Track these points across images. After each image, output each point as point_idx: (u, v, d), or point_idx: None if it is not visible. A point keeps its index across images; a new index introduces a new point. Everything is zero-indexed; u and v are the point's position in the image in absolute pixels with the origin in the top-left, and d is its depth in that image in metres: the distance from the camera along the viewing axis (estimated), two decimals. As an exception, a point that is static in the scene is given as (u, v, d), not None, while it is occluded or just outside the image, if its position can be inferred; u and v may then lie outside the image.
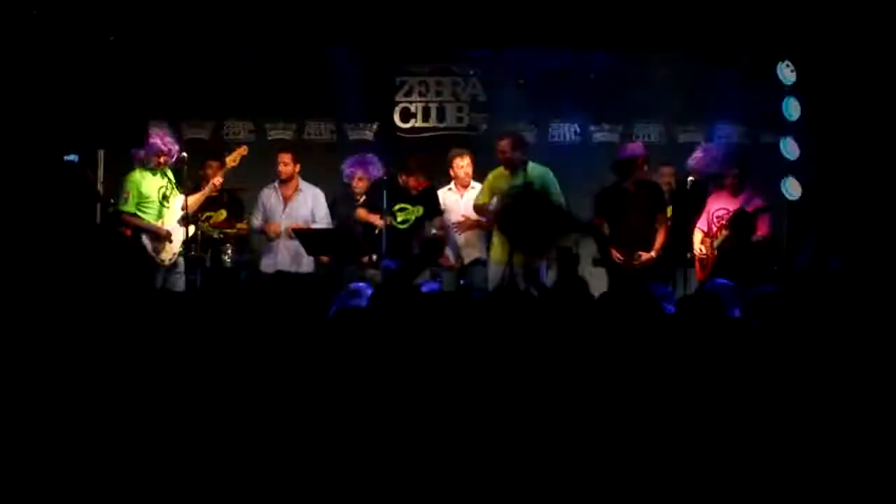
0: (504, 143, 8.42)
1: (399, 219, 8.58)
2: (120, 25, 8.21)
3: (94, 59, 8.02)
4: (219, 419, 3.26)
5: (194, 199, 8.33)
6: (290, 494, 3.09)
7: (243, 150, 8.60)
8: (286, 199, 8.87)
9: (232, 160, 8.52)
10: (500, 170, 8.45)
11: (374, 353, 3.55)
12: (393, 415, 3.22)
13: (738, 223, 8.13)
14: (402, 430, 3.17)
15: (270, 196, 8.93)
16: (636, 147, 8.73)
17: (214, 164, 9.17)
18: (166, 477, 3.11)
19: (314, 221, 8.83)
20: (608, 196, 8.48)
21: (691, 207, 8.62)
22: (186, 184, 8.32)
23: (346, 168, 9.00)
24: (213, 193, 8.52)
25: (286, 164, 8.85)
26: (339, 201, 9.06)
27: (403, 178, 8.69)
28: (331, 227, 8.83)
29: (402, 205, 8.62)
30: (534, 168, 8.39)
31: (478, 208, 8.62)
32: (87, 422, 3.27)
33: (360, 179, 8.84)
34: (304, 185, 8.92)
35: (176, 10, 8.54)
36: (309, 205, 8.86)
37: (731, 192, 8.48)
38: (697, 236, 8.49)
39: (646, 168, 8.53)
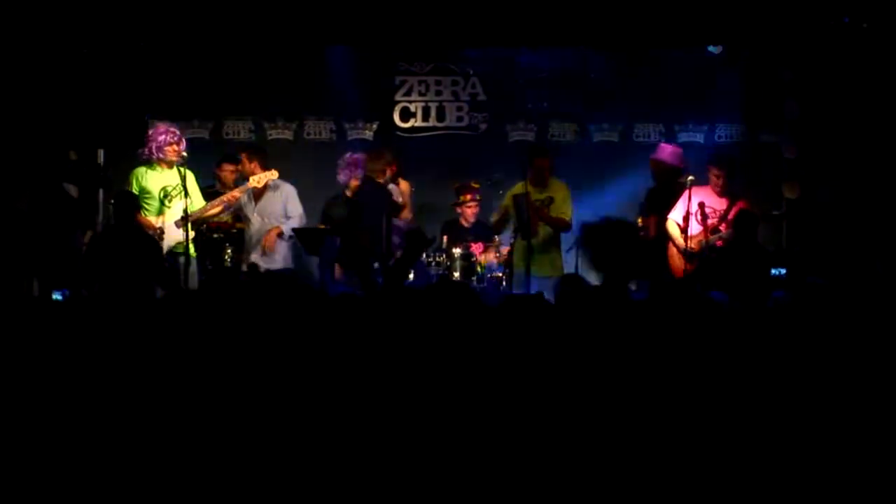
0: (546, 161, 8.65)
1: None
2: (120, 25, 8.22)
3: (93, 59, 8.03)
4: (216, 418, 3.26)
5: (204, 208, 8.38)
6: (288, 492, 3.10)
7: (272, 175, 8.62)
8: (256, 197, 8.87)
9: (257, 181, 8.56)
10: (518, 187, 8.49)
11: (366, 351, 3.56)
12: (385, 412, 3.23)
13: (742, 223, 8.11)
14: (396, 428, 3.18)
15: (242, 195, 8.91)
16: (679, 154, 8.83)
17: (230, 167, 9.18)
18: (166, 475, 3.11)
19: (287, 218, 8.81)
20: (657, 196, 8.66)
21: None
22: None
23: (341, 173, 9.01)
24: (230, 207, 8.58)
25: (242, 164, 8.86)
26: (333, 203, 9.05)
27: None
28: (308, 225, 8.87)
29: None
30: (555, 182, 8.60)
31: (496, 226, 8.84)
32: (87, 420, 3.27)
33: (357, 179, 8.87)
34: (275, 181, 8.87)
35: (176, 10, 8.54)
36: (280, 201, 8.85)
37: (718, 191, 8.43)
38: (674, 229, 8.41)
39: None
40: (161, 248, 8.06)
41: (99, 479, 3.10)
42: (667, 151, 8.83)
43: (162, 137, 8.25)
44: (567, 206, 8.56)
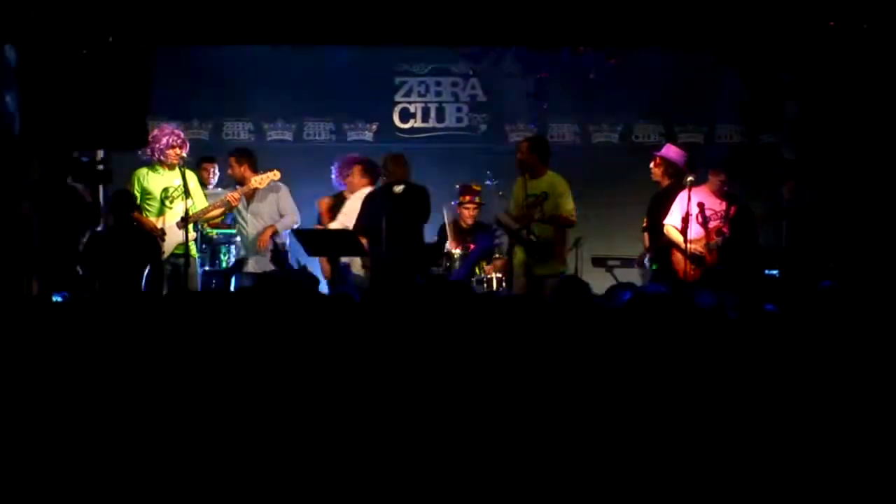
0: (523, 145, 8.47)
1: None
2: (120, 25, 8.20)
3: (93, 59, 8.03)
4: (215, 418, 3.26)
5: (205, 209, 8.39)
6: (288, 493, 3.10)
7: (274, 175, 8.60)
8: (248, 198, 8.87)
9: (259, 182, 8.55)
10: (518, 183, 8.44)
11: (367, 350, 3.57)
12: (380, 412, 3.23)
13: (740, 223, 8.09)
14: (392, 428, 3.18)
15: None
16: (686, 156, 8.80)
17: (209, 167, 9.22)
18: (166, 476, 3.12)
19: (280, 217, 8.82)
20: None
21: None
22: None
23: (336, 174, 8.99)
24: (228, 210, 8.60)
25: (231, 167, 8.87)
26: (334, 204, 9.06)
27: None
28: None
29: None
30: (549, 177, 8.40)
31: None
32: (86, 420, 3.27)
33: (357, 176, 8.84)
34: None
35: (176, 10, 8.52)
36: (274, 201, 8.84)
37: (718, 193, 8.36)
38: (675, 233, 8.21)
39: (652, 168, 8.64)
40: (160, 248, 8.06)
41: (98, 480, 3.10)
42: (674, 150, 8.79)
43: (166, 140, 8.26)
44: (565, 201, 8.33)
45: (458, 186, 9.36)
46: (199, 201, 8.38)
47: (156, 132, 8.36)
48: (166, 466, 3.12)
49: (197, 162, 9.15)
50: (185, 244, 8.11)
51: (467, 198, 9.28)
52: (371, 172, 8.74)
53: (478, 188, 9.36)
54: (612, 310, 4.29)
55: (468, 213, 9.31)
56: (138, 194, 8.30)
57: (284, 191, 8.89)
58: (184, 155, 8.31)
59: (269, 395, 3.35)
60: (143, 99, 8.25)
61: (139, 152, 8.46)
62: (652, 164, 8.64)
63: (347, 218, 8.59)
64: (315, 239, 8.64)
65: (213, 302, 4.06)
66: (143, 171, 8.39)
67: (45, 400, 3.34)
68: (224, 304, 4.09)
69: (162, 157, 8.27)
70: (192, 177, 8.34)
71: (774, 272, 8.16)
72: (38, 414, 3.28)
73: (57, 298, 6.23)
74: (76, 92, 7.96)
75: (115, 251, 7.69)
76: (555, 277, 7.91)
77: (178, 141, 8.29)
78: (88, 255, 7.95)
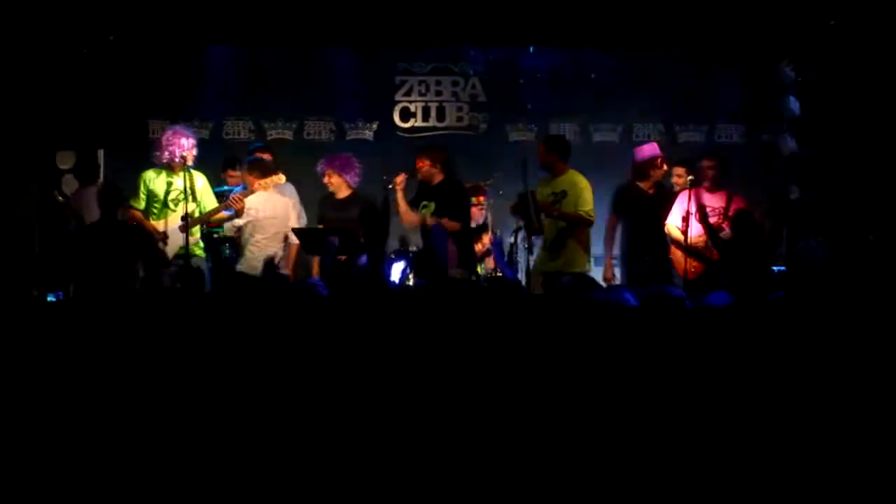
0: (540, 147, 8.48)
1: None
2: (120, 25, 8.21)
3: (94, 59, 8.03)
4: (215, 418, 3.26)
5: (209, 212, 8.32)
6: (286, 492, 3.10)
7: (279, 179, 8.53)
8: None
9: (263, 185, 8.47)
10: (539, 183, 8.43)
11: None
12: (377, 412, 3.23)
13: (741, 222, 8.10)
14: (388, 429, 3.18)
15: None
16: (653, 148, 8.76)
17: (235, 173, 9.15)
18: (166, 476, 3.11)
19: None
20: (624, 195, 8.59)
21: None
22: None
23: (318, 166, 8.91)
24: (235, 214, 8.53)
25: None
26: (322, 203, 9.00)
27: (417, 166, 8.46)
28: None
29: (425, 202, 8.47)
30: (569, 175, 8.33)
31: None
32: (87, 420, 3.27)
33: (328, 176, 8.76)
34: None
35: (176, 10, 8.54)
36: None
37: (712, 185, 8.35)
38: (676, 232, 8.24)
39: (664, 168, 8.60)
40: (148, 239, 7.96)
41: (93, 479, 3.10)
42: (647, 148, 8.80)
43: (185, 142, 8.19)
44: (583, 200, 8.22)
45: (467, 188, 9.30)
46: (208, 202, 8.30)
47: (170, 135, 8.27)
48: (157, 464, 3.12)
49: (223, 166, 9.16)
50: (186, 246, 8.05)
51: (481, 199, 9.18)
52: (259, 169, 8.68)
53: (486, 185, 9.28)
54: (615, 309, 4.28)
55: (479, 213, 9.25)
56: (144, 197, 8.18)
57: (292, 191, 8.85)
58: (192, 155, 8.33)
59: (264, 394, 3.35)
60: (143, 99, 8.25)
61: (155, 155, 8.39)
62: (664, 166, 8.63)
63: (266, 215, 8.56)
64: (314, 238, 8.62)
65: (208, 299, 4.05)
66: (150, 173, 8.28)
67: (36, 400, 3.33)
68: (219, 303, 4.09)
69: (177, 160, 8.18)
70: (199, 177, 8.28)
71: (782, 268, 8.18)
72: (32, 414, 3.28)
73: (51, 298, 6.21)
74: (76, 92, 7.96)
75: (100, 246, 7.59)
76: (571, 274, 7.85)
77: (193, 144, 8.28)
78: (74, 251, 7.86)
